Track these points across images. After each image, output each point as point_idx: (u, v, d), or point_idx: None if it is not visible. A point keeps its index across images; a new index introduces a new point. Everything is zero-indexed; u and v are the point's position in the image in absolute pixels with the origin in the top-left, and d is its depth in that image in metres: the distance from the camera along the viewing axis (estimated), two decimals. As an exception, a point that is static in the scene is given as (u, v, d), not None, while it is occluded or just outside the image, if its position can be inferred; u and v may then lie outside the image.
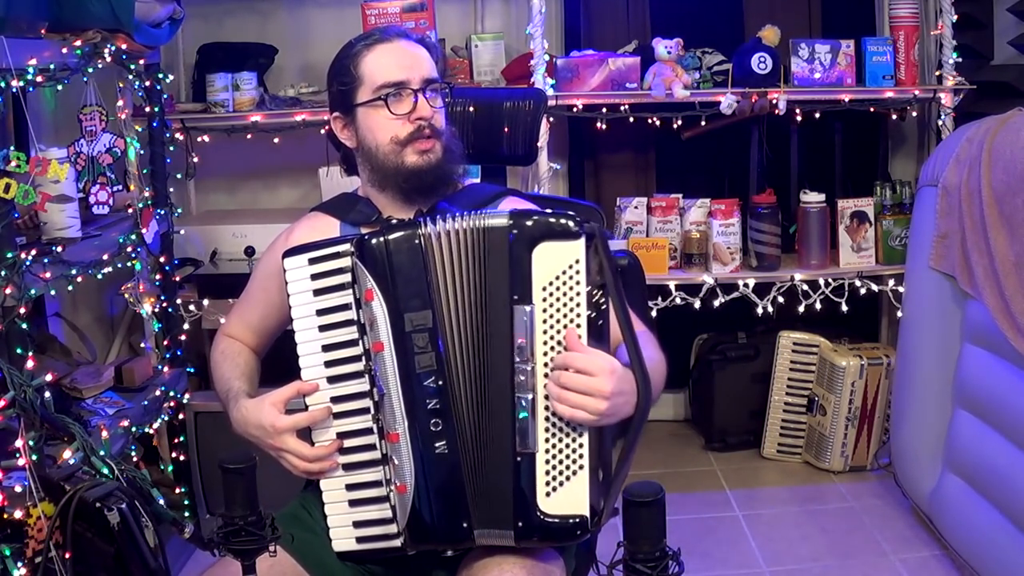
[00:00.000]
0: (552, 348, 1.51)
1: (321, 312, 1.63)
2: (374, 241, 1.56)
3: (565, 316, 1.50)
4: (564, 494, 1.51)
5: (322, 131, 3.04)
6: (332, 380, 1.63)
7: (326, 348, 1.63)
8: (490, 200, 1.82)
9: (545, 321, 1.50)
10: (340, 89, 1.77)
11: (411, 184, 1.74)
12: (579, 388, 1.47)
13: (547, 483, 1.51)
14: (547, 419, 1.51)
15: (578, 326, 1.50)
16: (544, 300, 1.50)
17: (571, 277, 1.50)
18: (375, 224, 1.75)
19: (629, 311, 1.54)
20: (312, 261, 1.64)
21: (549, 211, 1.59)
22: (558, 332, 1.50)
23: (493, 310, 1.53)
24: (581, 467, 1.51)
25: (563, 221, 1.51)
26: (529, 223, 1.52)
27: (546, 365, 1.51)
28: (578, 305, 1.50)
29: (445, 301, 1.55)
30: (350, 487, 1.63)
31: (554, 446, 1.51)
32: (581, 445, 1.51)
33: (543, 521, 1.51)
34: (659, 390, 1.62)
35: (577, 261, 1.49)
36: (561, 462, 1.51)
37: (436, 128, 1.75)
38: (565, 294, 1.50)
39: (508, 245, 1.52)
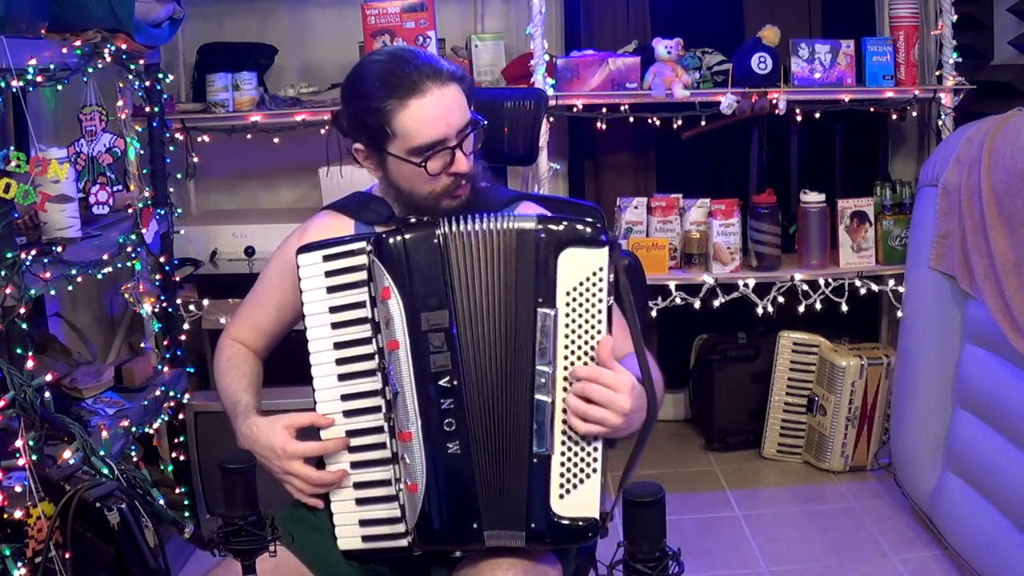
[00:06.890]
0: (572, 353, 1.52)
1: (334, 309, 1.63)
2: (392, 240, 1.56)
3: (587, 322, 1.52)
4: (577, 496, 1.52)
5: (322, 131, 3.06)
6: (343, 377, 1.63)
7: (338, 345, 1.63)
8: (504, 204, 1.80)
9: (567, 326, 1.52)
10: (367, 132, 1.66)
11: (440, 215, 1.68)
12: (602, 402, 1.49)
13: (561, 485, 1.52)
14: (564, 422, 1.52)
15: (599, 332, 1.51)
16: (567, 305, 1.51)
17: (594, 284, 1.51)
18: (390, 223, 1.74)
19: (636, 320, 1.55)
20: (327, 258, 1.64)
21: (575, 217, 1.59)
22: (579, 338, 1.52)
23: (514, 311, 1.54)
24: (595, 470, 1.52)
25: (589, 228, 1.53)
26: (558, 228, 1.53)
27: (566, 369, 1.52)
28: (600, 312, 1.51)
29: (462, 301, 1.56)
30: (358, 485, 1.63)
31: (569, 448, 1.52)
32: (596, 449, 1.52)
33: (555, 523, 1.52)
34: (658, 408, 1.62)
35: (601, 268, 1.51)
36: (576, 464, 1.52)
37: (470, 175, 1.69)
38: (588, 300, 1.51)
39: (535, 248, 1.53)
